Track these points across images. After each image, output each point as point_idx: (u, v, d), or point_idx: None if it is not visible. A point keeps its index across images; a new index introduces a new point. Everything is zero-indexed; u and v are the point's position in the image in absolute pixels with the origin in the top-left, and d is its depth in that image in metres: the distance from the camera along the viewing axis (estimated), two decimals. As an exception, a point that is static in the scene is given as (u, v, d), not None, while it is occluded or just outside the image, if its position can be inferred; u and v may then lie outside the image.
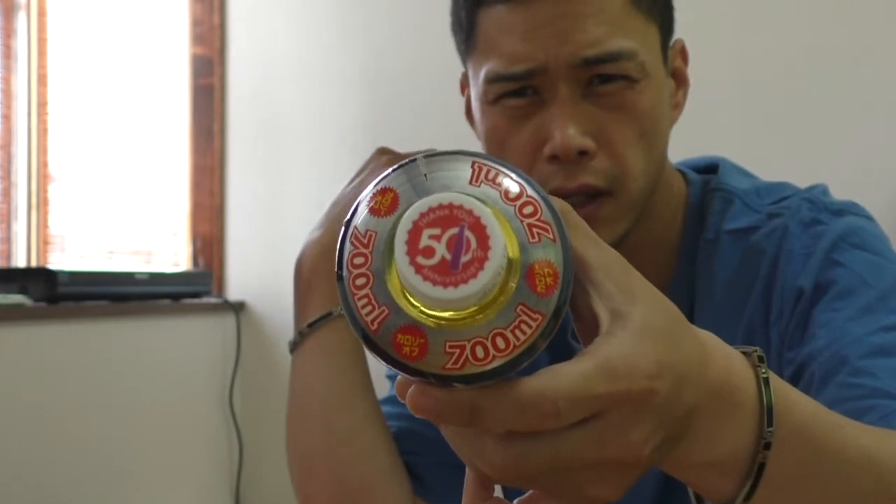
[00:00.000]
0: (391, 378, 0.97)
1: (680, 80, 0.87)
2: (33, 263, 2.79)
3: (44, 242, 2.84)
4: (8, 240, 2.80)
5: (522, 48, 0.76)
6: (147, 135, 2.76)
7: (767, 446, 0.47)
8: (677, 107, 0.86)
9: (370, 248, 0.37)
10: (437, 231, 0.35)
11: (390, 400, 0.95)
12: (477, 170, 0.38)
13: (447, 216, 0.35)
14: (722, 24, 1.96)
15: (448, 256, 0.35)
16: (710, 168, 0.92)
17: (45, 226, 2.84)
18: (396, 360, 0.36)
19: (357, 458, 0.83)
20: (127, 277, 2.28)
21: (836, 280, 0.77)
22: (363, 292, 0.36)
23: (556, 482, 0.42)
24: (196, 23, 2.64)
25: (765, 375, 0.48)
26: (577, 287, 0.42)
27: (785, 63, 1.95)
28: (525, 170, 0.70)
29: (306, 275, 0.87)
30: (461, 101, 0.89)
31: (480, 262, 0.35)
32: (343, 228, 0.39)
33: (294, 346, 0.87)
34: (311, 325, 0.85)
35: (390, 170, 0.39)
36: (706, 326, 0.84)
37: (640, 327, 0.42)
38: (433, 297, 0.35)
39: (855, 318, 0.74)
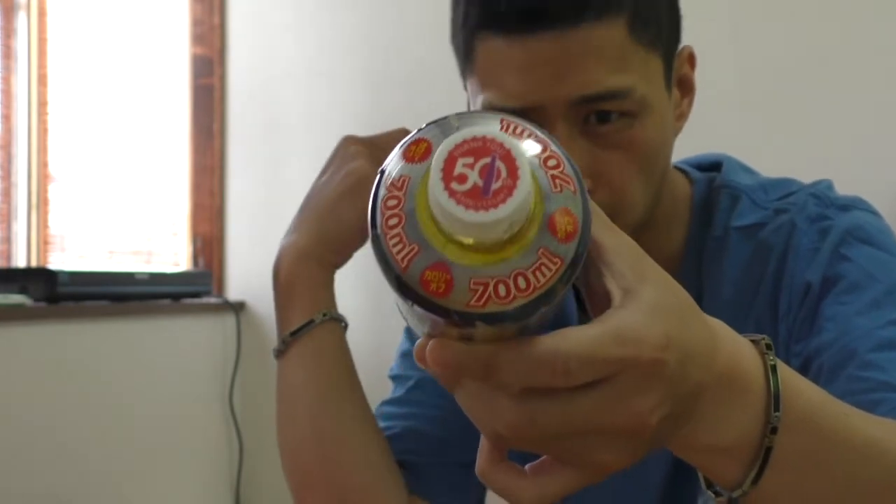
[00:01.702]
0: (394, 379, 0.97)
1: (686, 88, 0.86)
2: (33, 263, 2.79)
3: (44, 242, 2.84)
4: (8, 240, 2.80)
5: (519, 86, 0.75)
6: (147, 135, 2.76)
7: (774, 430, 0.48)
8: (681, 117, 0.85)
9: (403, 191, 0.39)
10: (470, 160, 0.37)
11: (395, 401, 0.94)
12: (505, 125, 0.40)
13: (480, 147, 0.37)
14: (722, 25, 1.96)
15: (480, 183, 0.36)
16: (712, 166, 0.92)
17: (45, 226, 2.84)
18: (423, 298, 0.38)
19: (348, 461, 0.83)
20: (127, 277, 2.28)
21: (843, 274, 0.77)
22: (395, 231, 0.38)
23: (567, 446, 0.43)
24: (196, 23, 2.64)
25: (772, 362, 0.50)
26: (591, 267, 0.44)
27: (784, 62, 1.95)
28: None
29: (285, 281, 0.85)
30: (463, 101, 0.89)
31: (510, 189, 0.36)
32: (378, 176, 0.40)
33: (278, 354, 0.85)
34: (293, 334, 0.83)
35: (424, 125, 0.41)
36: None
37: (650, 303, 0.43)
38: (465, 220, 0.36)
39: (863, 311, 0.75)
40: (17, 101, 2.82)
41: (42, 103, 2.85)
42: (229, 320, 2.49)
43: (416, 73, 2.33)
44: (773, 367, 0.49)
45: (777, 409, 0.49)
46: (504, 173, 0.37)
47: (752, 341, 0.51)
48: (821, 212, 0.82)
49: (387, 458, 0.86)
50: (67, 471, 2.04)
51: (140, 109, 2.77)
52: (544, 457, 0.46)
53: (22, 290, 2.02)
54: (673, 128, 0.84)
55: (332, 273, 0.86)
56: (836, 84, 1.93)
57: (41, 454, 1.98)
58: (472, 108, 0.81)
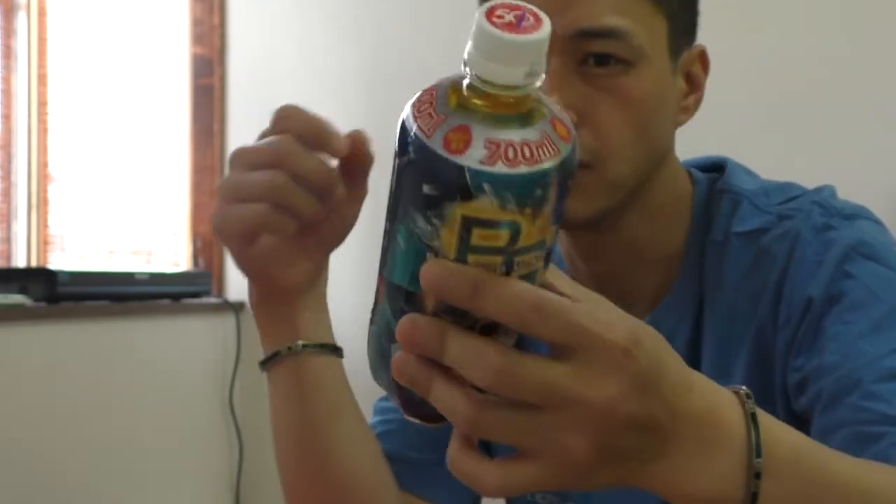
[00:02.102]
0: None
1: (694, 85, 0.86)
2: (33, 263, 2.79)
3: (44, 242, 2.84)
4: (8, 240, 2.80)
5: None
6: (147, 134, 2.76)
7: (758, 475, 0.49)
8: (686, 111, 0.86)
9: (436, 93, 0.46)
10: (506, 10, 0.45)
11: None
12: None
13: (514, 5, 0.45)
14: (724, 26, 1.96)
15: (514, 21, 0.44)
16: (715, 167, 0.91)
17: (45, 226, 2.84)
18: (443, 157, 0.44)
19: (338, 480, 0.81)
20: (127, 277, 2.28)
21: (846, 292, 0.77)
22: (425, 109, 0.45)
23: (534, 425, 0.45)
24: (196, 23, 2.64)
25: (752, 410, 0.50)
26: None
27: (785, 66, 1.95)
28: None
29: (252, 302, 0.81)
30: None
31: (537, 27, 0.44)
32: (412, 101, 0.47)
33: (262, 368, 0.82)
34: (262, 364, 0.80)
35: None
36: (716, 327, 0.83)
37: (624, 313, 0.47)
38: (502, 38, 0.44)
39: (866, 335, 0.74)
40: (17, 101, 2.82)
41: (42, 103, 2.85)
42: (229, 320, 2.49)
43: (417, 73, 2.33)
44: (754, 415, 0.50)
45: (759, 454, 0.49)
46: (532, 20, 0.45)
47: (733, 391, 0.51)
48: (826, 222, 0.81)
49: (377, 473, 0.84)
50: (67, 470, 2.04)
51: (140, 109, 2.77)
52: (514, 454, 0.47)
53: (22, 290, 2.02)
54: (674, 113, 0.84)
55: (298, 299, 0.78)
56: (836, 84, 1.93)
57: (41, 454, 1.98)
58: None
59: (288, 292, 0.77)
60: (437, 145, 0.44)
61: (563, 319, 0.44)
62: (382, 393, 0.94)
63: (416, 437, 0.90)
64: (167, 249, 2.73)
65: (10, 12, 2.81)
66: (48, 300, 2.04)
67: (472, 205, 0.44)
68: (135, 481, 2.22)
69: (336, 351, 0.79)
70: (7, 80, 2.80)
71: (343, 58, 2.47)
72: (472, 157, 0.43)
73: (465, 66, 0.45)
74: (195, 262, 2.64)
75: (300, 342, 0.77)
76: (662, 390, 0.46)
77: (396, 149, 0.46)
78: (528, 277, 0.46)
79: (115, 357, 2.19)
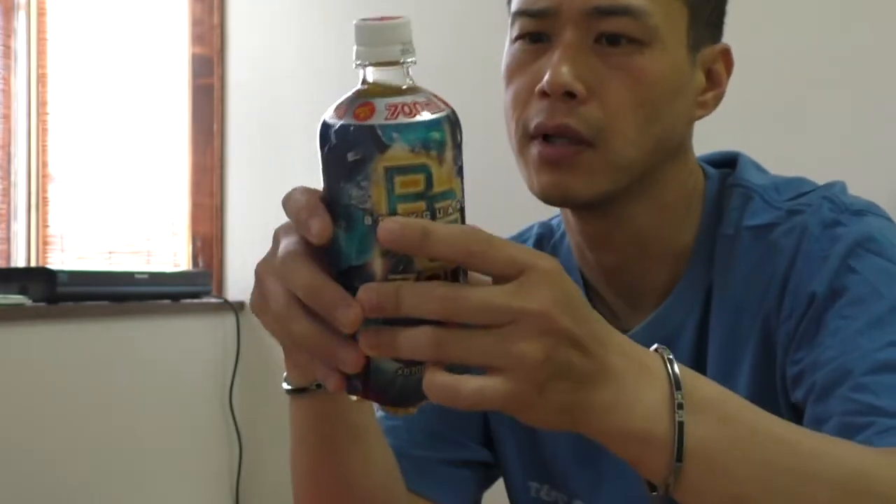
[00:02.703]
0: None
1: (714, 81, 0.86)
2: (33, 263, 2.79)
3: (43, 242, 2.84)
4: (8, 240, 2.80)
5: None
6: (147, 134, 2.76)
7: (681, 406, 0.55)
8: (703, 106, 0.85)
9: (344, 98, 0.57)
10: (371, 17, 0.57)
11: None
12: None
13: (377, 17, 0.57)
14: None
15: (379, 18, 0.57)
16: (726, 162, 0.91)
17: (45, 225, 2.84)
18: (357, 125, 0.54)
19: (357, 498, 0.81)
20: (127, 277, 2.28)
21: (849, 287, 0.77)
22: (338, 108, 0.56)
23: (491, 342, 0.51)
24: (196, 22, 2.64)
25: (669, 356, 0.57)
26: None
27: (785, 65, 1.95)
28: (519, 107, 0.82)
29: None
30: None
31: (398, 19, 0.57)
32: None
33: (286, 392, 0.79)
34: (288, 392, 0.77)
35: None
36: (723, 321, 0.83)
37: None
38: (375, 25, 0.56)
39: (864, 330, 0.74)
40: (17, 100, 2.82)
41: (42, 103, 2.85)
42: (229, 320, 2.49)
43: (417, 73, 2.33)
44: (671, 360, 0.57)
45: (679, 388, 0.56)
46: (392, 17, 0.57)
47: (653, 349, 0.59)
48: (834, 217, 0.81)
49: (392, 483, 0.84)
50: (67, 471, 2.04)
51: (140, 109, 2.77)
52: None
53: (21, 290, 2.02)
54: (690, 106, 0.84)
55: None
56: (834, 82, 1.93)
57: (41, 454, 1.98)
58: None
59: None
60: (349, 120, 0.55)
61: (504, 252, 0.52)
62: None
63: (420, 434, 0.91)
64: (167, 249, 2.73)
65: (9, 12, 2.81)
66: (48, 300, 2.04)
67: (389, 155, 0.53)
68: (135, 481, 2.22)
69: None
70: (7, 80, 2.80)
71: (343, 58, 2.46)
72: (379, 118, 0.54)
73: (356, 66, 0.57)
74: (195, 262, 2.64)
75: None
76: (589, 317, 0.54)
77: (319, 148, 0.56)
78: (448, 220, 0.54)
79: (115, 357, 2.19)
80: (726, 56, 0.87)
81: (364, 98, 0.56)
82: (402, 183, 0.54)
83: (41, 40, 2.85)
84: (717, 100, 0.86)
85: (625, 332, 0.85)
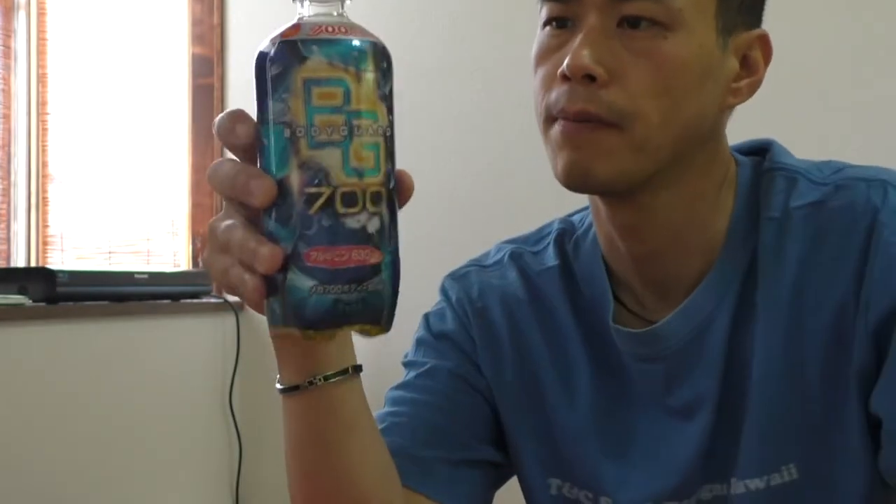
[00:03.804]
0: (407, 365, 0.96)
1: (750, 69, 0.83)
2: (33, 263, 2.79)
3: (43, 242, 2.84)
4: (7, 240, 2.80)
5: None
6: (147, 134, 2.76)
7: None
8: (737, 93, 0.83)
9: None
10: None
11: (403, 385, 0.94)
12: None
13: None
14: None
15: None
16: (755, 151, 0.90)
17: (45, 225, 2.84)
18: (282, 41, 0.59)
19: (353, 495, 0.80)
20: (126, 277, 2.28)
21: None
22: (273, 38, 0.61)
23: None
24: (196, 22, 2.64)
25: None
26: None
27: (785, 62, 1.94)
28: (544, 92, 0.81)
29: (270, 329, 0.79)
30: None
31: None
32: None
33: (279, 392, 0.79)
34: (282, 391, 0.77)
35: None
36: (776, 304, 0.81)
37: None
38: None
39: None
40: (17, 100, 2.82)
41: (42, 103, 2.84)
42: (229, 320, 2.49)
43: (416, 73, 2.33)
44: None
45: None
46: None
47: None
48: None
49: (387, 478, 0.83)
50: (67, 471, 2.04)
51: (140, 109, 2.77)
52: None
53: (21, 290, 2.02)
54: (721, 90, 0.81)
55: None
56: (835, 81, 1.92)
57: (41, 454, 1.98)
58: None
59: None
60: (276, 38, 0.59)
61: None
62: (388, 385, 0.95)
63: (422, 433, 0.90)
64: (167, 249, 2.72)
65: (9, 12, 2.81)
66: (48, 300, 2.04)
67: (307, 66, 0.57)
68: (134, 481, 2.22)
69: (356, 369, 0.77)
70: (6, 80, 2.80)
71: (343, 58, 2.46)
72: (303, 34, 0.58)
73: (294, 0, 0.61)
74: (195, 262, 2.64)
75: (320, 376, 0.75)
76: None
77: (255, 80, 0.62)
78: (374, 148, 0.58)
79: (115, 357, 2.19)
80: (764, 42, 0.84)
81: (295, 22, 0.60)
82: (320, 94, 0.57)
83: (41, 40, 2.85)
84: (753, 87, 0.84)
85: (651, 323, 0.85)
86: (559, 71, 0.78)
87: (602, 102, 0.77)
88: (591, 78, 0.77)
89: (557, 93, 0.79)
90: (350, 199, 0.57)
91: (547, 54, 0.81)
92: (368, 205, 0.58)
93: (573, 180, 0.80)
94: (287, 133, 0.58)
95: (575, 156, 0.78)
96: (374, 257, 0.58)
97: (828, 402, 0.80)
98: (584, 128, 0.78)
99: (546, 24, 0.82)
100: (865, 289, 0.78)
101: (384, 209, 0.59)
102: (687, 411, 0.85)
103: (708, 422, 0.84)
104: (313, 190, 0.57)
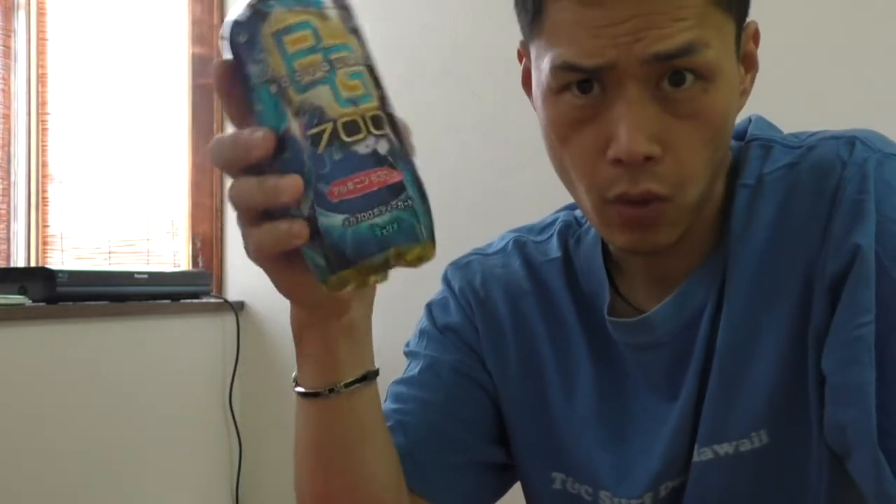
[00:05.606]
0: (409, 354, 0.96)
1: (750, 63, 0.82)
2: (33, 263, 2.79)
3: (43, 242, 2.84)
4: (7, 240, 2.80)
5: (594, 44, 0.73)
6: (147, 134, 2.76)
7: None
8: (745, 93, 0.82)
9: None
10: None
11: (406, 381, 0.93)
12: None
13: None
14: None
15: None
16: (740, 134, 0.88)
17: (45, 225, 2.84)
18: (240, 12, 0.60)
19: (365, 498, 0.81)
20: (126, 277, 2.28)
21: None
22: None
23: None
24: (196, 22, 2.64)
25: None
26: None
27: (783, 59, 1.95)
28: (587, 170, 0.77)
29: (294, 328, 0.78)
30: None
31: None
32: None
33: (296, 393, 0.80)
34: (301, 395, 0.78)
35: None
36: (746, 267, 0.81)
37: None
38: None
39: None
40: (17, 100, 2.82)
41: (41, 103, 2.85)
42: (229, 320, 2.49)
43: (415, 73, 2.33)
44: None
45: None
46: None
47: None
48: (881, 155, 0.77)
49: (398, 481, 0.84)
50: (67, 471, 2.04)
51: (140, 109, 2.77)
52: None
53: (21, 290, 2.02)
54: (738, 103, 0.80)
55: (344, 316, 0.75)
56: (833, 80, 1.92)
57: (41, 454, 1.98)
58: (539, 70, 0.79)
59: (337, 304, 0.74)
60: (232, 14, 0.60)
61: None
62: (394, 376, 0.94)
63: (427, 434, 0.90)
64: (167, 249, 2.72)
65: (9, 12, 2.81)
66: (47, 300, 2.04)
67: (270, 20, 0.58)
68: (134, 481, 2.22)
69: (375, 374, 0.78)
70: (6, 80, 2.80)
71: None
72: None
73: None
74: (195, 262, 2.64)
75: (342, 384, 0.75)
76: None
77: (234, 59, 0.61)
78: (359, 76, 0.60)
79: (115, 357, 2.19)
80: (756, 34, 0.83)
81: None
82: (291, 41, 0.59)
83: (41, 40, 2.85)
84: (753, 81, 0.83)
85: (642, 313, 0.85)
86: (611, 155, 0.74)
87: (660, 178, 0.75)
88: (648, 158, 0.74)
89: (610, 177, 0.75)
90: (352, 128, 0.59)
91: (577, 127, 0.77)
92: (372, 128, 0.59)
93: (638, 252, 0.81)
94: (274, 89, 0.59)
95: (638, 235, 0.77)
96: (393, 177, 0.60)
97: (794, 365, 0.78)
98: (646, 211, 0.76)
99: (564, 88, 0.76)
100: (825, 245, 0.77)
101: (389, 131, 0.60)
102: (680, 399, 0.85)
103: (688, 399, 0.83)
104: (315, 130, 0.58)
